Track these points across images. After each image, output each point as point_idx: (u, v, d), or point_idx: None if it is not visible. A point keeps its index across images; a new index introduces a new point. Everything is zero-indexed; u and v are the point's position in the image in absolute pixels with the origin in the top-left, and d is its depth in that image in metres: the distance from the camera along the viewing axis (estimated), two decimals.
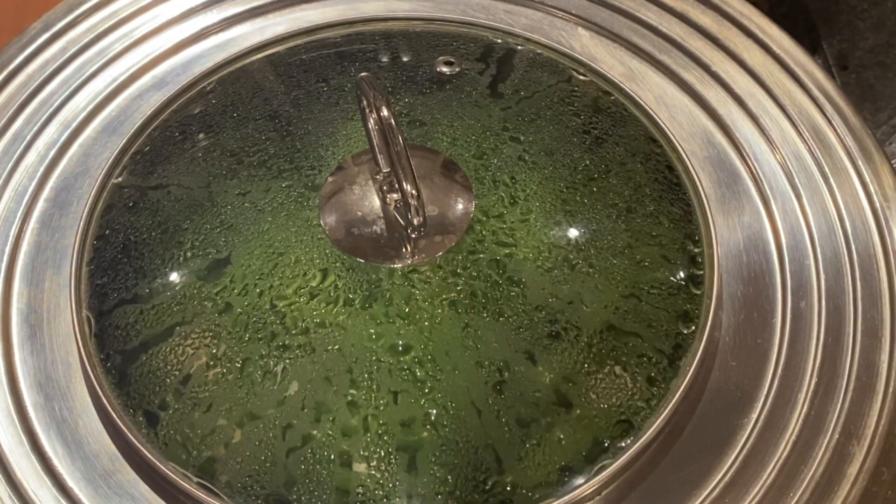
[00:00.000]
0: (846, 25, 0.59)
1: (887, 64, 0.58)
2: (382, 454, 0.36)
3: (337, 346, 0.38)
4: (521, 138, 0.43)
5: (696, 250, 0.41)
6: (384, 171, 0.40)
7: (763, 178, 0.44)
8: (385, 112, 0.38)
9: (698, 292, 0.40)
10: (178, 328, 0.39)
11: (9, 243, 0.43)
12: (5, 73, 0.48)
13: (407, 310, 0.38)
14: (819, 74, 0.46)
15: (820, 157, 0.44)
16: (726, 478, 0.38)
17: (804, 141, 0.44)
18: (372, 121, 0.40)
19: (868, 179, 0.43)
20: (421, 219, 0.38)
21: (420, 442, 0.37)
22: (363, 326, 0.38)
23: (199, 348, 0.39)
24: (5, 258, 0.43)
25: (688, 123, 0.45)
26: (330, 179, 0.42)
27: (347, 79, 0.45)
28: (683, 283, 0.40)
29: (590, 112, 0.44)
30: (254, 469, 0.37)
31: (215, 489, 0.37)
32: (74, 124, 0.47)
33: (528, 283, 0.39)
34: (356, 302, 0.39)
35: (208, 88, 0.46)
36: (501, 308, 0.38)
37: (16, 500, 0.38)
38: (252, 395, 0.38)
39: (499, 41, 0.47)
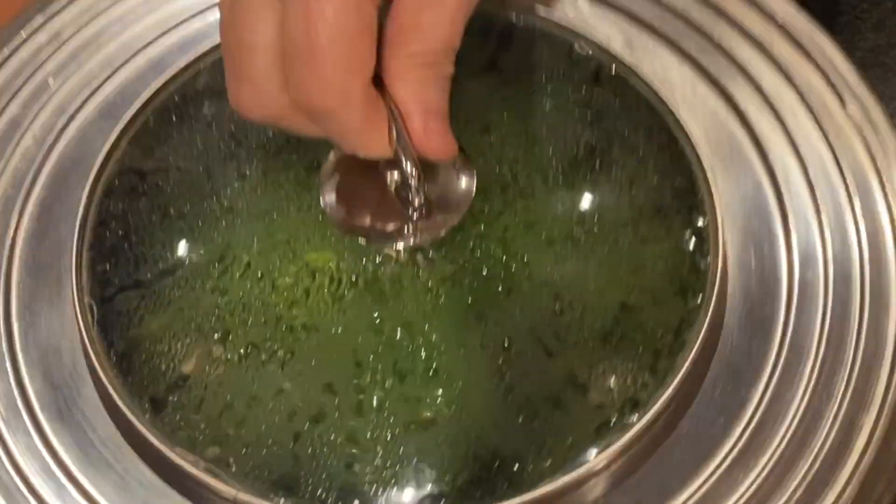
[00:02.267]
0: (846, 25, 0.59)
1: (887, 64, 0.58)
2: (389, 436, 0.36)
3: (340, 329, 0.38)
4: (522, 113, 0.42)
5: (700, 223, 0.40)
6: None
7: (766, 146, 0.43)
8: None
9: (703, 265, 0.39)
10: (181, 313, 0.39)
11: (9, 229, 0.43)
12: None
13: (410, 291, 0.38)
14: (821, 38, 0.45)
15: (822, 122, 0.43)
16: (734, 451, 0.37)
17: (805, 106, 0.44)
18: None
19: (874, 149, 0.43)
20: (423, 199, 0.38)
21: (426, 423, 0.37)
22: (366, 308, 0.38)
23: (203, 333, 0.39)
24: (5, 245, 0.43)
25: (690, 94, 0.45)
26: (330, 160, 0.41)
27: None
28: (688, 255, 0.40)
29: (591, 85, 0.44)
30: (260, 454, 0.37)
31: (222, 474, 0.37)
32: (71, 108, 0.46)
33: (531, 261, 0.39)
34: (359, 283, 0.39)
35: (207, 69, 0.46)
36: (505, 287, 0.38)
37: (18, 492, 0.38)
38: (256, 380, 0.38)
39: (497, 14, 0.46)
